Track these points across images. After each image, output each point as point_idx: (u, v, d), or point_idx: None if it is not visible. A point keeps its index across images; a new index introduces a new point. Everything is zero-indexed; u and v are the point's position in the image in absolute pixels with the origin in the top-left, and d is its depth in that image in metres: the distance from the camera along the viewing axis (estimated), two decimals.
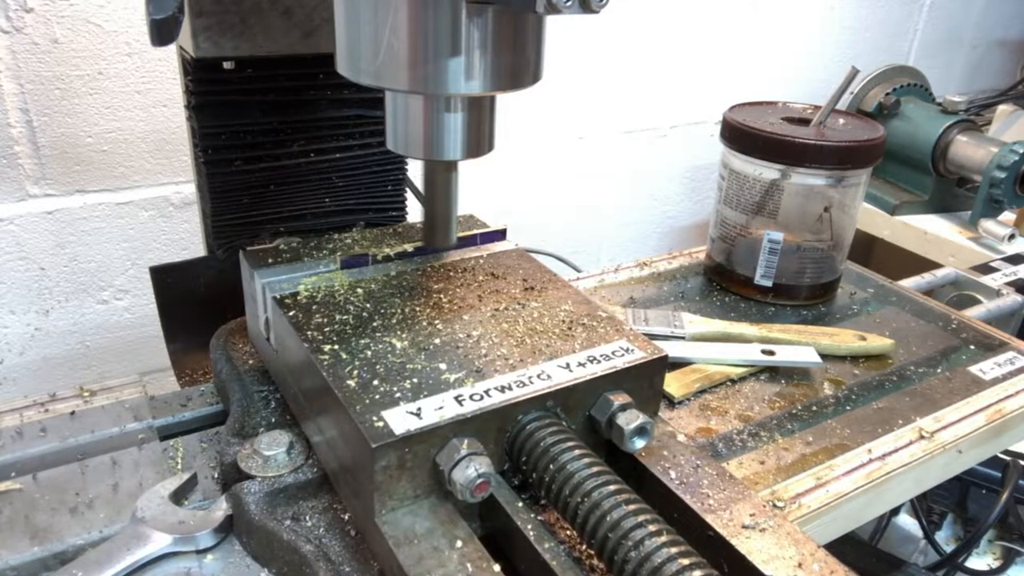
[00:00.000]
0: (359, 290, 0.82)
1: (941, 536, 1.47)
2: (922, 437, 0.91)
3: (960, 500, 1.47)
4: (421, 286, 0.84)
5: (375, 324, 0.76)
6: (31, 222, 1.34)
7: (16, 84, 1.25)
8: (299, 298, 0.79)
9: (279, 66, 0.88)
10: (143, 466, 0.78)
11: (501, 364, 0.71)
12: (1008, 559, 1.48)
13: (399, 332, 0.75)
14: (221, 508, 0.72)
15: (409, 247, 0.89)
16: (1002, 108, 2.21)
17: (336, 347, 0.72)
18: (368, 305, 0.79)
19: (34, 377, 1.44)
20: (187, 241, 1.50)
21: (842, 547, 1.36)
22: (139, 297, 1.49)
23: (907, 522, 1.50)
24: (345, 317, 0.76)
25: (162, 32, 0.68)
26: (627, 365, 0.73)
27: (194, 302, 0.96)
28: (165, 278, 0.96)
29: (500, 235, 0.95)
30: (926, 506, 1.45)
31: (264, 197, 0.93)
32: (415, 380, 0.68)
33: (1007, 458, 1.34)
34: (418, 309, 0.79)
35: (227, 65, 0.86)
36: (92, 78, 1.31)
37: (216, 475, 0.78)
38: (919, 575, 1.39)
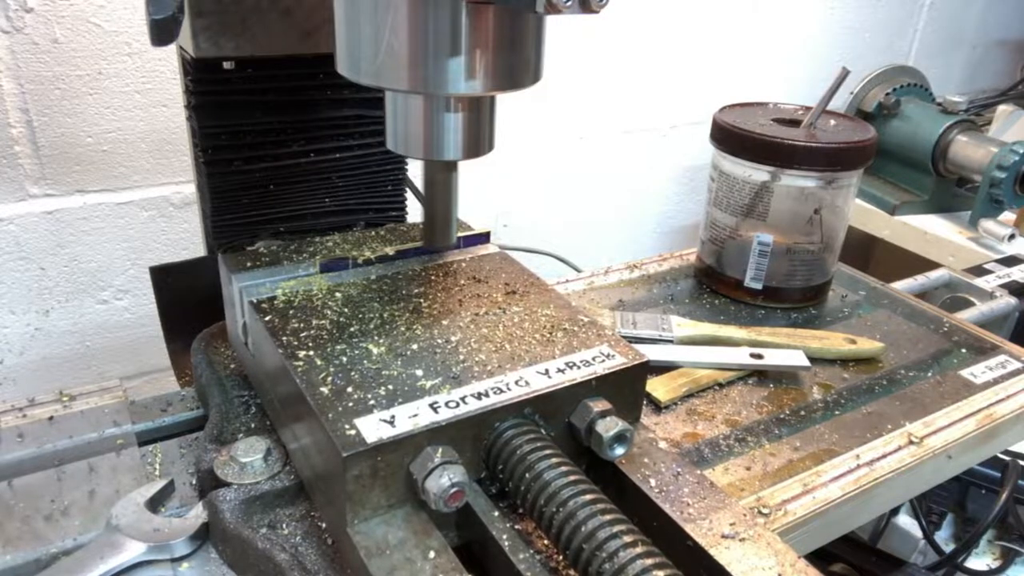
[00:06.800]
0: (337, 294, 0.81)
1: (941, 536, 1.45)
2: (911, 442, 0.90)
3: (960, 500, 1.46)
4: (401, 290, 0.83)
5: (352, 329, 0.75)
6: (31, 222, 1.34)
7: (16, 84, 1.25)
8: (276, 302, 0.78)
9: (279, 66, 0.87)
10: (120, 472, 0.78)
11: (479, 370, 0.71)
12: (1008, 559, 1.47)
13: (376, 337, 0.74)
14: (197, 516, 0.71)
15: (390, 250, 0.89)
16: (1002, 108, 2.20)
17: (311, 353, 0.71)
18: (346, 310, 0.78)
19: (34, 377, 1.44)
20: (187, 241, 1.50)
21: (842, 547, 1.36)
22: (139, 297, 1.49)
23: (907, 522, 1.49)
24: (322, 322, 0.76)
25: (162, 32, 0.68)
26: (607, 371, 0.72)
27: (194, 302, 0.96)
28: (165, 278, 0.95)
29: (484, 238, 0.94)
30: (926, 506, 1.44)
31: (264, 197, 0.92)
32: (390, 387, 0.67)
33: (1006, 458, 1.33)
34: (396, 314, 0.78)
35: (227, 65, 0.85)
36: (92, 78, 1.30)
37: (194, 482, 0.78)
38: (919, 575, 1.38)
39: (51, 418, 0.85)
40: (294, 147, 0.92)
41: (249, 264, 0.84)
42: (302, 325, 0.75)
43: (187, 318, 0.96)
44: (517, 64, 0.69)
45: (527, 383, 0.69)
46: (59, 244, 1.38)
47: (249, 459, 0.73)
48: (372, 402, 0.65)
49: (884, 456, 0.88)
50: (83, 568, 0.66)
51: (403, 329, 0.76)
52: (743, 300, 1.19)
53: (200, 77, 0.85)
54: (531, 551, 0.62)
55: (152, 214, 1.45)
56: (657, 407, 0.94)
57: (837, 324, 1.16)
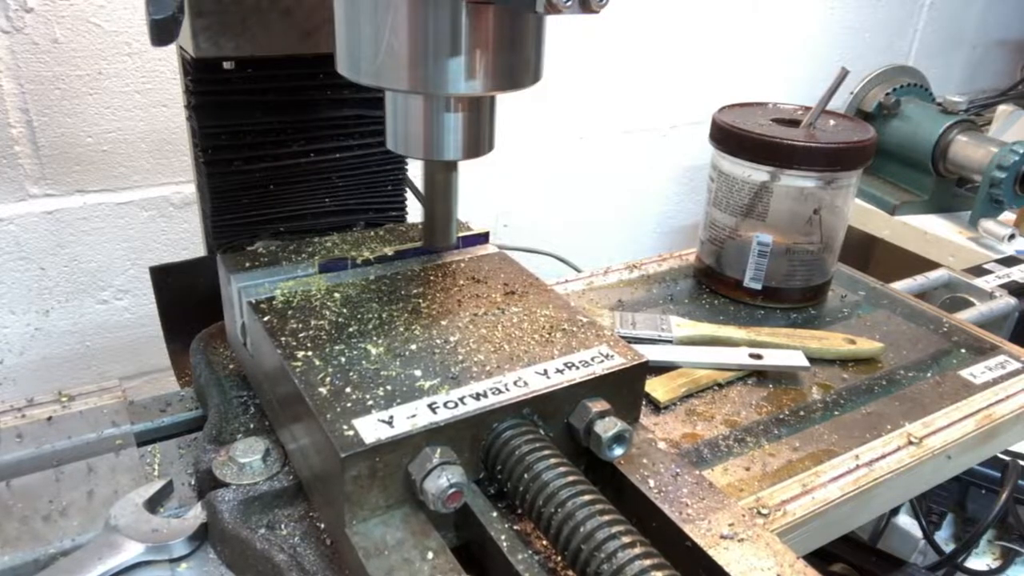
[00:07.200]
0: (336, 295, 0.81)
1: (941, 536, 1.45)
2: (911, 443, 0.90)
3: (960, 500, 1.46)
4: (399, 291, 0.83)
5: (351, 330, 0.75)
6: (31, 222, 1.34)
7: (16, 84, 1.25)
8: (275, 303, 0.78)
9: (279, 66, 0.87)
10: (119, 472, 0.78)
11: (477, 371, 0.71)
12: (1008, 559, 1.47)
13: (375, 338, 0.74)
14: (195, 516, 0.71)
15: (389, 251, 0.88)
16: (1002, 108, 2.20)
17: (310, 353, 0.71)
18: (345, 310, 0.78)
19: (34, 377, 1.44)
20: (187, 241, 1.50)
21: (842, 547, 1.36)
22: (139, 297, 1.49)
23: (907, 522, 1.49)
24: (321, 323, 0.76)
25: (162, 32, 0.68)
26: (606, 371, 0.72)
27: (194, 302, 0.96)
28: (165, 278, 0.95)
29: (483, 238, 0.94)
30: (926, 506, 1.44)
31: (264, 197, 0.92)
32: (389, 387, 0.67)
33: (1006, 458, 1.33)
34: (395, 314, 0.78)
35: (227, 65, 0.85)
36: (92, 78, 1.30)
37: (192, 482, 0.78)
38: (919, 575, 1.38)
39: (50, 418, 0.85)
40: (294, 147, 0.92)
41: (248, 264, 0.84)
42: (301, 325, 0.75)
43: (187, 318, 0.96)
44: (517, 64, 0.69)
45: (526, 383, 0.69)
46: (59, 244, 1.38)
47: (248, 459, 0.73)
48: (370, 402, 0.65)
49: (883, 456, 0.87)
50: (81, 568, 0.66)
51: (402, 329, 0.76)
52: (742, 300, 1.19)
53: (200, 77, 0.85)
54: (529, 551, 0.62)
55: (152, 214, 1.45)
56: (656, 407, 0.93)
57: (836, 324, 1.16)
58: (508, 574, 0.61)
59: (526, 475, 0.64)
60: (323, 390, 0.66)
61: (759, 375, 1.01)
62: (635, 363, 0.74)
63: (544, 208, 1.95)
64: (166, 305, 0.96)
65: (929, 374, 1.03)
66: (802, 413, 0.94)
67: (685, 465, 0.72)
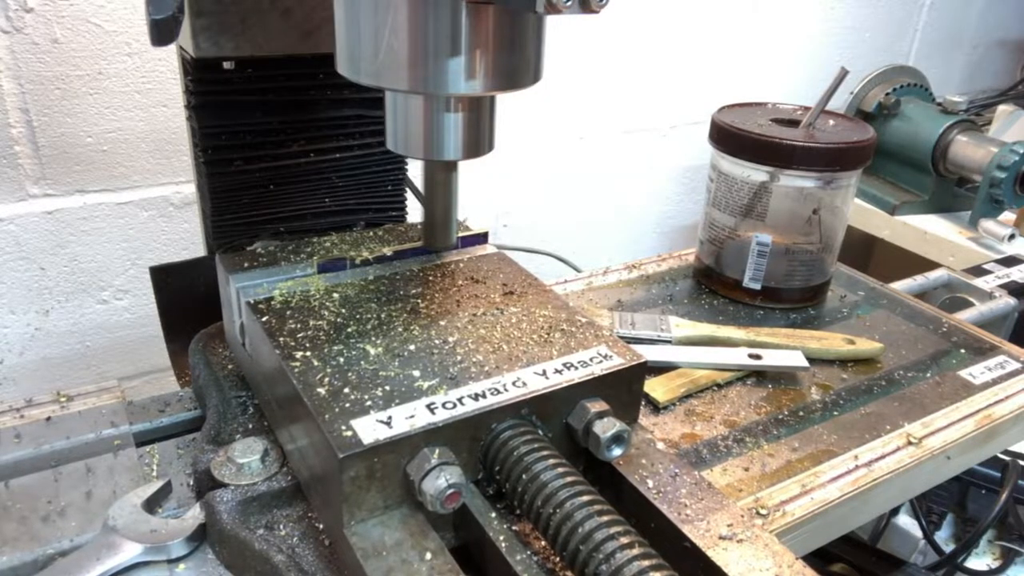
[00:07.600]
0: (335, 295, 0.81)
1: (941, 536, 1.45)
2: (910, 443, 0.90)
3: (960, 500, 1.46)
4: (398, 291, 0.83)
5: (349, 330, 0.75)
6: (31, 222, 1.34)
7: (16, 84, 1.25)
8: (273, 303, 0.78)
9: (279, 66, 0.88)
10: (118, 473, 0.78)
11: (476, 371, 0.70)
12: (1008, 559, 1.47)
13: (373, 338, 0.74)
14: (194, 516, 0.71)
15: (388, 251, 0.88)
16: (1002, 108, 2.20)
17: (308, 354, 0.71)
18: (343, 311, 0.78)
19: (34, 377, 1.44)
20: (187, 241, 1.50)
21: (842, 547, 1.36)
22: (139, 297, 1.49)
23: (907, 522, 1.49)
24: (319, 323, 0.76)
25: (162, 32, 0.68)
26: (605, 372, 0.72)
27: (194, 302, 0.96)
28: (165, 278, 0.95)
29: (482, 239, 0.94)
30: (925, 506, 1.44)
31: (264, 197, 0.92)
32: (387, 388, 0.67)
33: (1006, 458, 1.33)
34: (394, 314, 0.78)
35: (227, 65, 0.85)
36: (92, 78, 1.30)
37: (191, 482, 0.78)
38: (919, 575, 1.38)
39: (48, 418, 0.85)
40: (294, 147, 0.92)
41: (246, 264, 0.84)
42: (299, 326, 0.75)
43: (187, 318, 0.96)
44: (517, 64, 0.69)
45: (524, 384, 0.69)
46: (59, 244, 1.38)
47: (246, 460, 0.73)
48: (369, 403, 0.65)
49: (883, 457, 0.87)
50: (80, 569, 0.66)
51: (400, 330, 0.76)
52: (742, 300, 1.19)
53: (200, 77, 0.85)
54: (528, 552, 0.62)
55: (152, 214, 1.45)
56: (655, 408, 0.93)
57: (836, 324, 1.15)
58: (507, 575, 0.61)
59: (524, 476, 0.64)
60: (321, 390, 0.66)
61: (758, 375, 1.00)
62: (634, 363, 0.74)
63: (544, 208, 1.95)
64: (166, 305, 0.96)
65: (929, 374, 1.03)
66: (801, 413, 0.94)
67: (684, 465, 0.72)
